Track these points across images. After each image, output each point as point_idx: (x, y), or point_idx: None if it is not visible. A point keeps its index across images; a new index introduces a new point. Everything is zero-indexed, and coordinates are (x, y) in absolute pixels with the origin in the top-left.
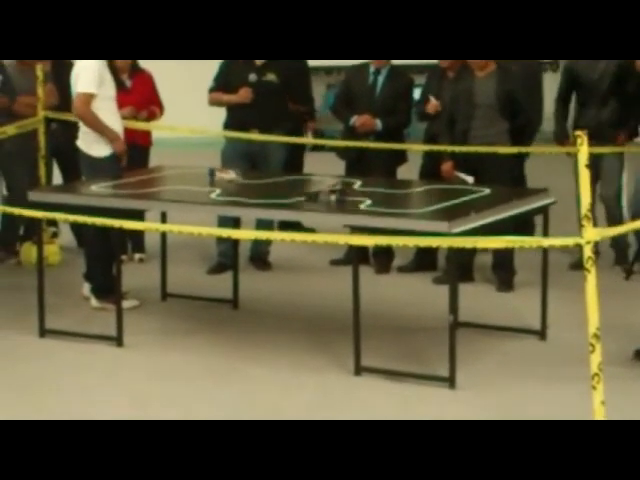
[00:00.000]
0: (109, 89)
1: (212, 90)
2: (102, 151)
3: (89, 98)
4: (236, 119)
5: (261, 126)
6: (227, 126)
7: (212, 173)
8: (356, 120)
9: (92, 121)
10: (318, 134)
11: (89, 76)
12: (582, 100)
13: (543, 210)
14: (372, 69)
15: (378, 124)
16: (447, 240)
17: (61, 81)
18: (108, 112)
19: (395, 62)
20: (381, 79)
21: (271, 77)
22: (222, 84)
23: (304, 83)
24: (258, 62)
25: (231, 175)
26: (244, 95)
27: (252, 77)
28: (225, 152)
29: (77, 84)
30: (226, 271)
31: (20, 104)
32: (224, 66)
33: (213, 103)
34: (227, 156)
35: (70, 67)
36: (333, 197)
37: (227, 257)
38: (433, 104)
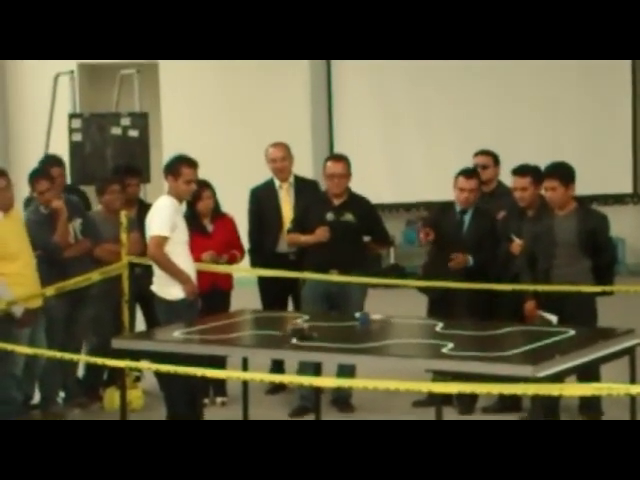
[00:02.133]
0: (182, 233)
1: (290, 231)
2: (176, 294)
3: (162, 241)
4: (315, 260)
5: (340, 266)
6: (306, 267)
7: (364, 319)
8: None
9: (165, 263)
10: (399, 270)
11: (162, 219)
12: None
13: (629, 352)
14: (458, 209)
15: (470, 260)
16: (532, 387)
17: (144, 227)
18: (180, 256)
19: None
20: (467, 218)
21: (348, 217)
22: (300, 225)
23: (380, 222)
24: (336, 202)
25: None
26: (321, 234)
27: (330, 216)
28: (305, 293)
29: (150, 227)
30: (308, 414)
31: (102, 249)
32: (302, 208)
33: (291, 244)
34: (307, 297)
35: None
36: (294, 339)
37: (309, 400)
38: (517, 244)
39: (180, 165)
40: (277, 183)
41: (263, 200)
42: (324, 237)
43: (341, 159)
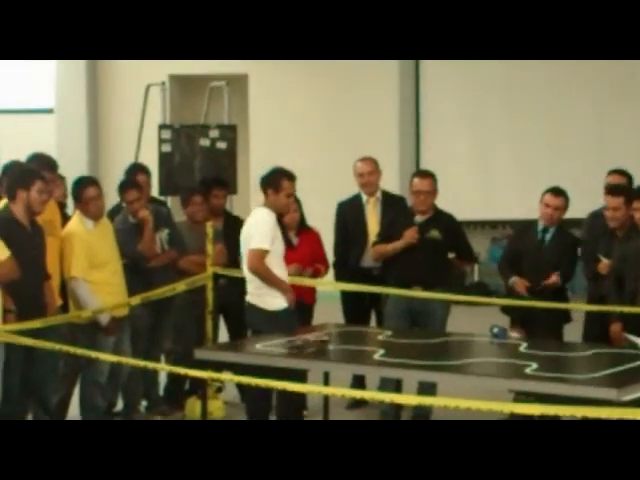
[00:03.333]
0: (279, 245)
1: (375, 243)
2: (278, 304)
3: (264, 254)
4: (399, 275)
5: (424, 283)
6: (390, 282)
7: (502, 334)
8: (514, 282)
9: (266, 275)
10: (482, 288)
11: (263, 232)
12: None
13: None
14: (540, 227)
15: (559, 280)
16: (617, 411)
17: (231, 240)
18: (277, 267)
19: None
20: (548, 237)
21: (434, 234)
22: (386, 239)
23: (465, 238)
24: (419, 219)
25: (517, 335)
26: (410, 235)
27: (418, 218)
28: (387, 309)
29: (251, 240)
30: None
31: (187, 261)
32: (388, 222)
33: (378, 256)
34: (389, 313)
35: (241, 226)
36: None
37: (389, 415)
38: (604, 264)
39: (281, 179)
40: (364, 198)
41: (349, 214)
42: (413, 238)
43: (428, 175)
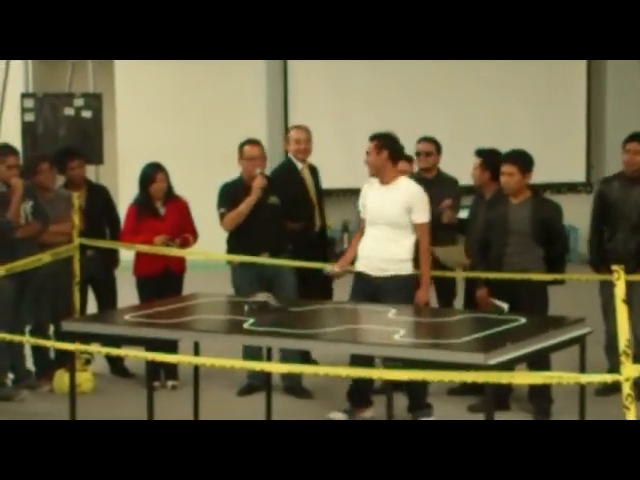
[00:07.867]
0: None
1: (224, 214)
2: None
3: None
4: (245, 243)
5: (271, 249)
6: (237, 251)
7: None
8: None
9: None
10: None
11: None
12: (611, 227)
13: (580, 340)
14: None
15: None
16: (483, 375)
17: (96, 210)
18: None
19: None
20: None
21: (273, 199)
22: (231, 205)
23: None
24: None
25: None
26: (258, 182)
27: (258, 170)
28: (235, 278)
29: (419, 214)
30: (256, 392)
31: (50, 233)
32: (224, 190)
33: (231, 225)
34: (238, 282)
35: (106, 195)
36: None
37: (257, 378)
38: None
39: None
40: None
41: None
42: (262, 183)
43: (257, 143)
